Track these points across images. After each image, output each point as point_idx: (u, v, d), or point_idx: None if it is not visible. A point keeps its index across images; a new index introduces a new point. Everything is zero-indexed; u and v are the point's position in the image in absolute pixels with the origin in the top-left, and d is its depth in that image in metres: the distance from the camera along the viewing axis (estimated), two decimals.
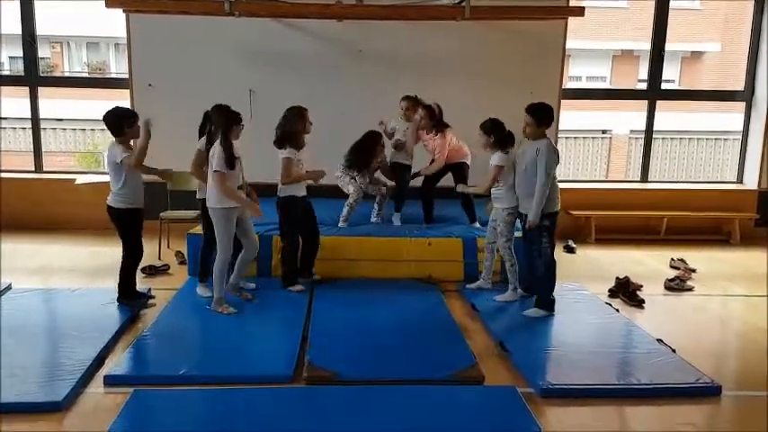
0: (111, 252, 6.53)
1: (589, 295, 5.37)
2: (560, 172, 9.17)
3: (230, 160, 4.44)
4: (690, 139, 12.34)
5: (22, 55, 7.65)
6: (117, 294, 4.87)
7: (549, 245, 4.73)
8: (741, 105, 8.15)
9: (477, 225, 6.11)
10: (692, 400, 3.66)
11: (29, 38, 7.48)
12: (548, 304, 4.80)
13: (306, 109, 5.05)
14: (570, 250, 6.98)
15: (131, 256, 4.84)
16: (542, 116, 4.66)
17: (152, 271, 5.84)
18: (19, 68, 8.15)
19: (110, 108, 4.62)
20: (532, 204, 4.63)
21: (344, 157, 5.95)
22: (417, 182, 6.20)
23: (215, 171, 4.46)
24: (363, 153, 5.92)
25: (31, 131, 7.86)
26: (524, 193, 4.77)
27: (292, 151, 4.97)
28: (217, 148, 4.46)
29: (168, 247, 6.52)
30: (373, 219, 6.19)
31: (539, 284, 4.87)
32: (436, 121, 5.99)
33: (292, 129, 4.98)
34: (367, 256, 5.65)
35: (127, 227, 4.73)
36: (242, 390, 3.58)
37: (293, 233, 5.22)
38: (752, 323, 4.97)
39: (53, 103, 11.05)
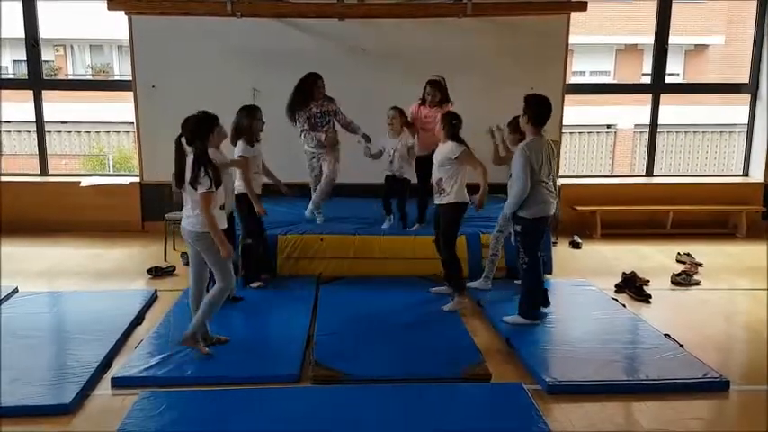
0: (116, 254, 6.57)
1: (595, 291, 5.35)
2: (565, 167, 9.23)
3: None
4: (695, 132, 12.25)
5: (25, 58, 7.67)
6: None
7: (528, 257, 4.45)
8: (746, 98, 8.09)
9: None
10: (700, 394, 3.66)
11: (32, 41, 7.49)
12: (527, 313, 4.55)
13: (257, 107, 5.04)
14: (576, 245, 6.95)
15: None
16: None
17: (158, 272, 5.85)
18: (23, 72, 8.16)
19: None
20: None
21: None
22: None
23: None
24: (298, 93, 5.70)
25: (35, 135, 7.88)
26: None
27: (246, 149, 4.92)
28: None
29: (174, 248, 6.52)
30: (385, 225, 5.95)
31: (522, 293, 4.65)
32: (444, 94, 5.80)
33: (241, 125, 4.94)
34: (371, 254, 5.65)
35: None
36: (249, 390, 3.59)
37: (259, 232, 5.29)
38: (759, 317, 4.94)
39: (58, 106, 11.07)
